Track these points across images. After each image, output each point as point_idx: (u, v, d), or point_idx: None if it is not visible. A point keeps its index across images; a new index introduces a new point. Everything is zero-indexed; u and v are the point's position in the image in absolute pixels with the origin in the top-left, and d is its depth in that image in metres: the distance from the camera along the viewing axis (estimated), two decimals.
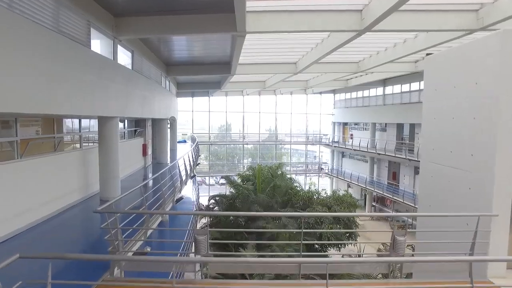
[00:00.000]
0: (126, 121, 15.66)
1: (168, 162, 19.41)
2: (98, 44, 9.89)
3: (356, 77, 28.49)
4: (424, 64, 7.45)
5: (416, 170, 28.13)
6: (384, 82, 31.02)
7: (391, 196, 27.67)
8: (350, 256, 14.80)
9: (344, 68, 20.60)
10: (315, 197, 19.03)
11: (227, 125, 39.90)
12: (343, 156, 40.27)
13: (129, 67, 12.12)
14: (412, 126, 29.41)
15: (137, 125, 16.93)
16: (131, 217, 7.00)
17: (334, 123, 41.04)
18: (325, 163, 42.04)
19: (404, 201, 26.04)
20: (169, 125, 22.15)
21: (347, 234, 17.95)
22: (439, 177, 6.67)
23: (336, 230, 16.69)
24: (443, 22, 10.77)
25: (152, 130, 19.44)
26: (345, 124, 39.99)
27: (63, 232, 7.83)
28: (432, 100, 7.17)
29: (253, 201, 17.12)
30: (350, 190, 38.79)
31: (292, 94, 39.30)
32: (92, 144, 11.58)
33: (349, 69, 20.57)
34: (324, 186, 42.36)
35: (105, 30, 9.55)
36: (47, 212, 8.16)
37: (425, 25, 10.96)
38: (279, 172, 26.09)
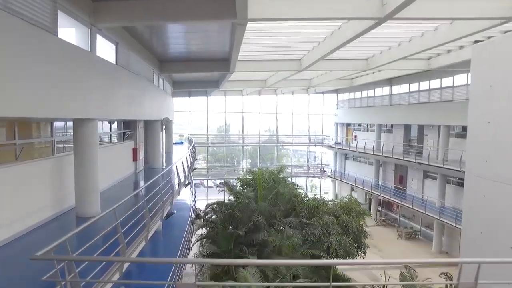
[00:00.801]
0: (115, 123, 14.15)
1: (163, 166, 17.91)
2: (73, 33, 8.36)
3: (362, 75, 27.00)
4: (473, 54, 5.97)
5: (426, 174, 26.69)
6: (391, 82, 29.53)
7: (400, 202, 26.14)
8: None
9: (352, 66, 19.09)
10: (320, 205, 17.48)
11: (226, 126, 38.36)
12: (346, 158, 38.79)
13: (113, 61, 10.58)
14: (421, 128, 27.96)
15: (127, 127, 15.39)
16: (102, 248, 5.46)
17: (337, 124, 39.54)
18: (328, 165, 40.53)
19: (414, 207, 24.52)
20: (163, 127, 20.61)
21: (356, 245, 16.48)
22: (497, 197, 5.18)
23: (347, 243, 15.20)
24: (476, 8, 9.25)
25: (144, 133, 17.92)
26: (348, 125, 38.51)
27: None
28: (485, 99, 5.67)
29: (254, 210, 15.58)
30: (353, 194, 37.35)
31: (293, 94, 37.79)
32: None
33: (358, 67, 19.07)
34: (326, 189, 40.93)
35: (80, 16, 8.01)
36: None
37: (455, 12, 9.43)
38: (281, 176, 24.64)
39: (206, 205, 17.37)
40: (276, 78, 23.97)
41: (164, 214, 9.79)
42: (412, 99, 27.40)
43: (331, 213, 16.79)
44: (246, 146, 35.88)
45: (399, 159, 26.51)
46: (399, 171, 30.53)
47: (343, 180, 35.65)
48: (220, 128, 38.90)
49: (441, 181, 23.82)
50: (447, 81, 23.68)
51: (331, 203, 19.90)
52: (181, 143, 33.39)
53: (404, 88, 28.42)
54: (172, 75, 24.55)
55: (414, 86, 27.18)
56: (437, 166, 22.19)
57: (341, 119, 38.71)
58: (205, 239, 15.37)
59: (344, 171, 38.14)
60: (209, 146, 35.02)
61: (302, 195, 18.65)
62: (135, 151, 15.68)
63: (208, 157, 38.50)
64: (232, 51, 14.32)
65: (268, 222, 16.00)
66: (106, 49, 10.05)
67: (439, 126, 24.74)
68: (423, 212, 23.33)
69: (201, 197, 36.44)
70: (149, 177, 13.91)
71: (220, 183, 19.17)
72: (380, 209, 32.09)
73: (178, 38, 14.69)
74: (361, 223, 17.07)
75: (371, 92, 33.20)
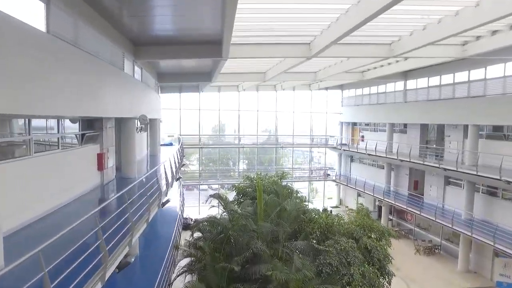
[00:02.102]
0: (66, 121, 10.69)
1: (147, 174, 14.37)
2: None
3: (376, 68, 23.65)
4: None
5: (447, 180, 23.43)
6: (406, 75, 26.25)
7: (419, 213, 22.82)
8: None
9: (371, 52, 15.72)
10: (335, 223, 14.08)
11: (221, 125, 34.85)
12: (351, 160, 35.49)
13: (43, 28, 7.10)
14: (441, 127, 24.72)
15: (90, 126, 11.92)
16: None
17: (341, 123, 36.21)
18: (332, 168, 37.23)
19: (437, 220, 21.20)
20: (140, 127, 17.14)
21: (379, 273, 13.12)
22: None
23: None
24: None
25: (119, 134, 14.46)
26: (355, 124, 35.20)
27: None
28: None
29: (253, 233, 12.17)
30: (360, 200, 34.10)
31: (294, 90, 34.42)
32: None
33: (378, 53, 15.69)
34: (329, 193, 37.63)
35: None
36: None
37: None
38: (283, 183, 21.35)
39: (193, 225, 13.84)
40: (278, 69, 20.52)
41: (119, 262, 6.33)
42: (432, 95, 24.11)
43: (349, 234, 13.42)
44: (243, 147, 32.43)
45: (418, 163, 23.20)
46: (414, 176, 27.28)
47: (350, 186, 32.26)
48: (214, 127, 35.40)
49: (469, 190, 20.56)
50: (477, 73, 20.41)
51: (346, 217, 16.63)
52: (171, 144, 29.81)
53: (422, 82, 25.13)
54: (156, 65, 21.09)
55: (434, 80, 23.89)
56: (469, 173, 18.85)
57: (347, 118, 35.38)
58: (189, 273, 11.90)
59: (350, 174, 34.89)
60: (202, 147, 31.53)
61: (312, 211, 15.20)
62: (100, 158, 12.20)
63: (201, 159, 34.98)
64: (224, 30, 10.93)
65: (270, 247, 12.60)
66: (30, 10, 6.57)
67: (465, 126, 21.52)
68: (449, 226, 20.03)
69: (193, 204, 33.02)
70: (118, 191, 10.53)
71: (210, 195, 15.71)
72: (391, 217, 28.83)
73: (157, 13, 11.29)
74: (386, 247, 13.71)
75: (381, 88, 29.89)
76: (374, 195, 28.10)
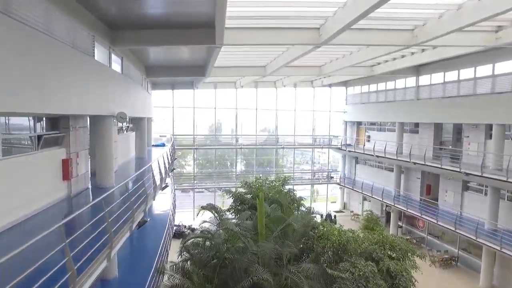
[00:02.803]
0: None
1: (121, 183, 12.13)
2: None
3: (387, 61, 21.50)
4: None
5: (466, 186, 21.29)
6: (418, 70, 24.09)
7: (435, 221, 20.66)
8: None
9: (389, 39, 13.50)
10: (350, 240, 11.85)
11: (217, 124, 32.60)
12: (356, 162, 33.33)
13: None
14: (457, 127, 22.61)
15: (54, 126, 9.69)
16: None
17: (346, 122, 34.03)
18: (335, 170, 35.08)
19: (457, 230, 19.06)
20: (127, 126, 14.94)
21: None
22: None
23: None
24: None
25: (94, 135, 12.21)
26: (360, 123, 33.03)
27: None
28: None
29: (252, 257, 9.96)
30: (366, 204, 32.00)
31: (296, 87, 32.20)
32: None
33: (399, 40, 13.49)
34: (332, 196, 35.47)
35: None
36: None
37: None
38: (286, 189, 19.23)
39: (181, 246, 11.55)
40: (280, 61, 18.31)
41: None
42: (448, 91, 21.94)
43: (368, 256, 11.24)
44: (241, 148, 30.19)
45: (435, 166, 21.05)
46: (426, 180, 25.15)
47: (356, 190, 30.05)
48: (210, 127, 33.12)
49: (493, 197, 18.44)
50: (503, 67, 18.27)
51: (356, 228, 14.48)
52: (163, 145, 27.47)
53: (437, 78, 22.97)
54: (144, 57, 18.82)
55: (451, 75, 21.73)
56: (497, 179, 16.69)
57: (351, 117, 33.20)
58: None
59: (355, 177, 32.75)
60: (196, 148, 29.27)
61: (322, 227, 12.96)
62: (66, 165, 9.95)
63: (197, 160, 32.71)
64: (217, 9, 8.75)
65: (274, 272, 10.38)
66: None
67: (487, 126, 19.40)
68: (473, 238, 17.89)
69: (187, 208, 30.79)
70: (89, 202, 8.37)
71: (202, 207, 13.53)
72: (401, 224, 26.70)
73: None
74: (410, 269, 11.51)
75: (390, 85, 27.72)
76: (384, 200, 25.92)
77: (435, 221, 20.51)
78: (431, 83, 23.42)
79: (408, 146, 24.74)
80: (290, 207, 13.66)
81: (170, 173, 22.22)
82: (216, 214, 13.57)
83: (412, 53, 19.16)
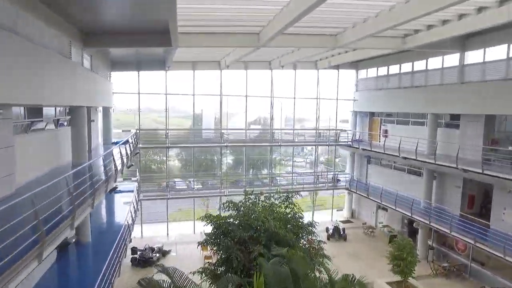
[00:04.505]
0: None
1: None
2: None
3: (432, 25, 15.21)
4: None
5: None
6: (464, 45, 17.91)
7: (502, 255, 14.71)
8: None
9: None
10: None
11: (196, 116, 25.95)
12: (368, 162, 27.30)
13: None
14: None
15: None
16: None
17: (355, 113, 27.85)
18: (342, 171, 29.05)
19: None
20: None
21: None
22: None
23: None
24: None
25: None
26: (373, 114, 26.90)
27: None
28: None
29: None
30: (381, 215, 26.15)
31: (296, 69, 25.77)
32: None
33: None
34: (336, 200, 29.50)
35: None
36: None
37: None
38: (289, 213, 13.25)
39: None
40: (282, 20, 11.84)
41: None
42: None
43: None
44: (226, 146, 23.67)
45: (499, 177, 15.04)
46: (468, 190, 19.24)
47: (373, 199, 23.97)
48: (186, 117, 26.50)
49: None
50: None
51: None
52: (127, 142, 20.68)
53: (495, 52, 16.83)
54: (77, 12, 12.02)
55: None
56: None
57: (363, 106, 27.00)
58: None
59: (367, 180, 26.80)
60: (169, 147, 22.64)
61: None
62: None
63: (168, 164, 26.22)
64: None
65: None
66: None
67: None
68: None
69: (157, 219, 24.50)
70: None
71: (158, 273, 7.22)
72: (431, 244, 20.82)
73: None
74: None
75: (419, 65, 21.54)
76: (414, 217, 19.95)
77: (502, 256, 14.54)
78: (485, 61, 17.26)
79: (443, 144, 18.78)
80: (308, 274, 7.48)
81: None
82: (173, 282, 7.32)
83: (460, 16, 12.96)
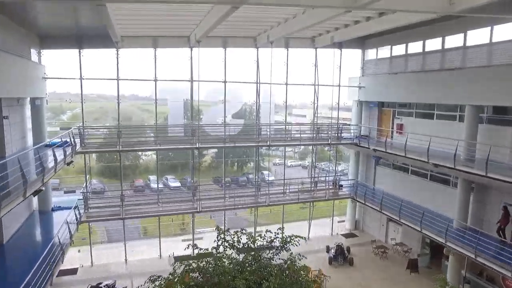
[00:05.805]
0: None
1: None
2: None
3: None
4: None
5: None
6: None
7: None
8: None
9: None
10: None
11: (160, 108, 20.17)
12: (377, 163, 22.27)
13: None
14: None
15: None
16: None
17: (361, 102, 22.63)
18: (343, 172, 24.03)
19: None
20: None
21: None
22: None
23: None
24: None
25: None
26: (382, 105, 21.74)
27: None
28: None
29: None
30: (393, 229, 21.34)
31: (288, 48, 20.21)
32: None
33: None
34: (339, 214, 24.56)
35: None
36: None
37: None
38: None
39: None
40: None
41: None
42: None
43: None
44: (198, 148, 18.06)
45: None
46: None
47: (386, 213, 18.94)
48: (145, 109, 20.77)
49: None
50: None
51: None
52: (65, 143, 14.80)
53: None
54: None
55: None
56: None
57: (371, 95, 21.75)
58: None
59: (374, 186, 21.88)
60: (121, 151, 16.93)
61: None
62: None
63: (122, 176, 20.53)
64: None
65: None
66: None
67: None
68: None
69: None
70: None
71: None
72: (466, 274, 16.04)
73: None
74: None
75: (452, 41, 16.34)
76: (447, 243, 15.08)
77: None
78: None
79: (486, 147, 13.81)
80: None
81: None
82: None
83: None
